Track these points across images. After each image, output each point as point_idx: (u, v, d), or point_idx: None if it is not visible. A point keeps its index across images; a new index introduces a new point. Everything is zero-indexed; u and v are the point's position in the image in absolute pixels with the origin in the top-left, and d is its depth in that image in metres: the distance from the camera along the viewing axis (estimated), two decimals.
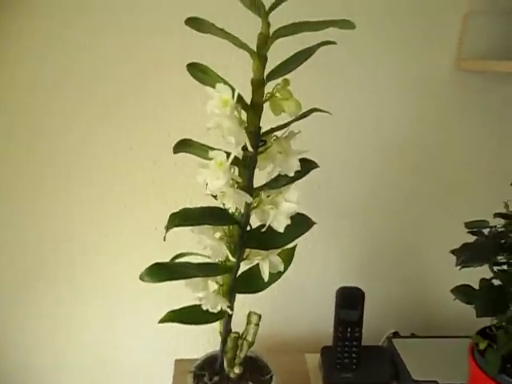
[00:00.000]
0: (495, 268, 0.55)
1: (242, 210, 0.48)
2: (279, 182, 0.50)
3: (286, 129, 0.49)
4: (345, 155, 0.83)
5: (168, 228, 0.46)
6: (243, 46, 0.44)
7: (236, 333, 0.56)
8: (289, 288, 0.87)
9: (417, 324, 0.93)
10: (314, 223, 0.55)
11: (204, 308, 0.51)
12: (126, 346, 0.90)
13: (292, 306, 0.90)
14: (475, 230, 0.59)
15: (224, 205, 0.48)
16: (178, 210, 0.52)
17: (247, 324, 0.56)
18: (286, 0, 0.43)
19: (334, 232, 0.87)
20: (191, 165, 0.78)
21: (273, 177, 0.51)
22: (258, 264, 0.54)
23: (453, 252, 0.57)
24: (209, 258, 0.53)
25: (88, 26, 0.73)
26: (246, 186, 0.48)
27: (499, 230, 0.58)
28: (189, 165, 0.80)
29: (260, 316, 0.56)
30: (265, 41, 0.45)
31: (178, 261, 0.55)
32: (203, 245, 0.49)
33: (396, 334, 0.86)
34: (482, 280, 0.56)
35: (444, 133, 0.84)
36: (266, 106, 0.49)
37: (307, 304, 0.90)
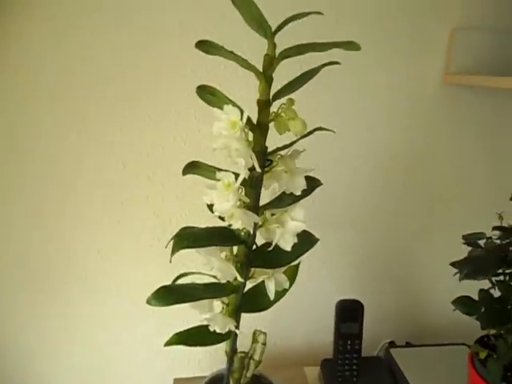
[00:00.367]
0: (494, 279, 0.57)
1: (251, 231, 0.47)
2: (284, 200, 0.50)
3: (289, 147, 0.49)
4: (337, 169, 0.84)
5: (175, 250, 0.46)
6: (250, 67, 0.44)
7: (242, 352, 0.55)
8: (285, 301, 0.87)
9: (410, 333, 0.95)
10: (317, 240, 0.56)
11: (211, 329, 0.50)
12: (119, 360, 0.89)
13: (288, 320, 0.89)
14: (472, 241, 0.60)
15: (230, 225, 0.47)
16: (179, 229, 0.52)
17: (253, 343, 0.56)
18: (291, 21, 0.44)
19: (327, 245, 0.88)
20: (186, 181, 0.79)
21: (276, 195, 0.51)
22: (262, 282, 0.53)
23: (453, 265, 0.58)
24: (213, 277, 0.53)
25: (92, 28, 0.71)
26: (253, 206, 0.48)
27: (495, 241, 0.60)
28: (183, 181, 0.79)
29: (266, 334, 0.55)
30: (271, 62, 0.45)
31: (181, 281, 0.55)
32: (211, 266, 0.49)
33: (392, 344, 0.87)
34: (481, 291, 0.57)
35: (433, 145, 0.86)
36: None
37: (303, 317, 0.90)
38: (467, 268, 0.54)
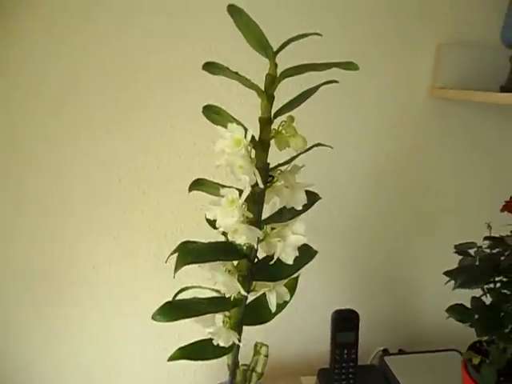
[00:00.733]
0: (485, 287, 0.59)
1: (255, 246, 0.48)
2: (285, 215, 0.51)
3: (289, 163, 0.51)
4: (326, 184, 0.86)
5: (179, 266, 0.46)
6: (253, 86, 0.45)
7: (245, 365, 0.56)
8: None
9: (403, 340, 0.97)
10: (316, 252, 0.57)
11: (215, 343, 0.51)
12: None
13: (284, 331, 0.90)
14: (463, 251, 0.63)
15: (231, 240, 0.48)
16: (178, 244, 0.52)
17: (255, 355, 0.57)
18: (292, 42, 0.45)
19: (319, 256, 0.89)
20: (181, 195, 0.80)
21: (276, 210, 0.53)
22: (262, 295, 0.54)
23: (447, 274, 0.60)
24: (214, 291, 0.54)
25: (94, 33, 0.71)
26: (255, 221, 0.49)
27: (485, 250, 0.62)
28: (178, 195, 0.80)
29: (268, 346, 0.56)
30: (272, 81, 0.46)
31: (181, 296, 0.55)
32: (215, 281, 0.49)
33: (385, 352, 0.89)
34: (474, 299, 0.59)
35: (422, 158, 0.88)
36: None
37: (298, 328, 0.91)
38: (461, 277, 0.56)
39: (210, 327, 0.51)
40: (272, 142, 0.51)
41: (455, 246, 0.63)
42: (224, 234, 0.50)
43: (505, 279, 0.56)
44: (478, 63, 0.79)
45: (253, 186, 0.46)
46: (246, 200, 0.48)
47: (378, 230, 0.91)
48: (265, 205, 0.52)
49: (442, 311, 0.67)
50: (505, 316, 0.54)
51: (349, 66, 0.46)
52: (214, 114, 0.46)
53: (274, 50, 0.45)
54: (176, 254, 0.48)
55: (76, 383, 0.86)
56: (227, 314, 0.54)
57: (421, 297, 0.98)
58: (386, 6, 0.79)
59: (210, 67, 0.42)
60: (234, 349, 0.54)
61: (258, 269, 0.53)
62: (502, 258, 0.56)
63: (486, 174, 0.92)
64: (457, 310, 0.59)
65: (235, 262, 0.53)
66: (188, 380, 0.89)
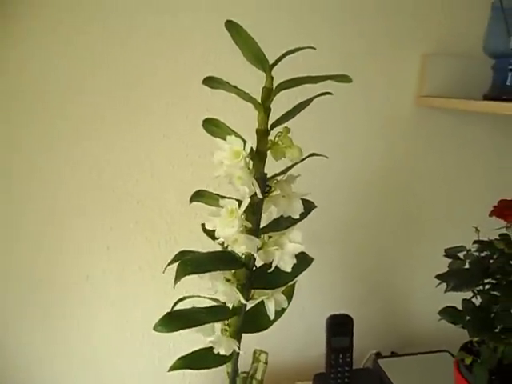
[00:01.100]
0: (475, 289, 0.61)
1: (255, 255, 0.49)
2: (282, 223, 0.52)
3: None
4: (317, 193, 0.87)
5: (180, 277, 0.47)
6: (251, 99, 0.46)
7: (245, 373, 0.56)
8: None
9: (394, 343, 0.98)
10: (312, 259, 0.58)
11: (216, 351, 0.51)
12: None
13: (278, 337, 0.91)
14: (452, 254, 0.65)
15: (230, 249, 0.49)
16: (176, 254, 0.53)
17: (254, 362, 0.57)
18: (287, 55, 0.46)
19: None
20: (175, 204, 0.80)
21: (273, 219, 0.54)
22: (260, 303, 0.55)
23: (438, 277, 0.62)
24: (213, 300, 0.54)
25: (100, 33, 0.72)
26: (254, 230, 0.50)
27: (474, 253, 0.64)
28: (172, 204, 0.81)
29: (267, 354, 0.57)
30: (269, 94, 0.47)
31: (180, 306, 0.56)
32: (215, 290, 0.50)
33: (378, 355, 0.90)
34: (465, 301, 0.61)
35: (410, 164, 0.91)
36: None
37: (293, 333, 0.92)
38: (453, 281, 0.58)
39: (211, 336, 0.51)
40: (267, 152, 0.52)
41: (445, 250, 0.65)
42: (221, 244, 0.50)
43: (494, 281, 0.58)
44: (462, 73, 0.82)
45: (251, 197, 0.48)
46: (244, 210, 0.50)
47: (367, 237, 0.93)
48: (262, 214, 0.53)
49: (431, 314, 0.69)
50: (495, 317, 0.56)
51: (342, 78, 0.47)
52: (213, 126, 0.47)
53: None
54: (175, 264, 0.49)
55: None
56: (226, 322, 0.55)
57: (411, 300, 1.00)
58: (374, 14, 0.81)
59: (210, 81, 0.44)
60: (233, 357, 0.55)
61: (256, 277, 0.53)
62: (491, 261, 0.58)
63: (473, 179, 0.95)
64: (449, 312, 0.61)
65: (233, 271, 0.54)
66: None
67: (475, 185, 0.95)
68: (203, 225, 0.51)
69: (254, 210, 0.49)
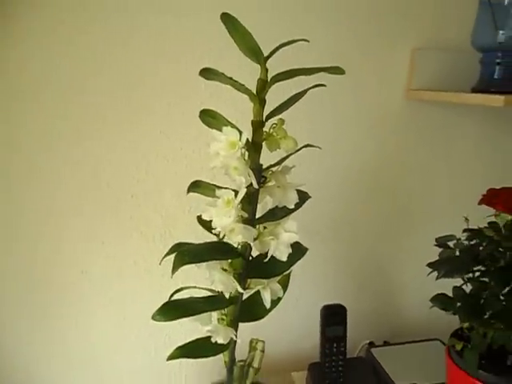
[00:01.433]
0: (465, 276, 0.62)
1: (252, 244, 0.50)
2: (277, 214, 0.53)
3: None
4: (309, 179, 0.88)
5: (177, 267, 0.47)
6: (247, 91, 0.47)
7: (242, 361, 0.57)
8: None
9: (387, 332, 1.00)
10: (306, 249, 0.59)
11: (213, 340, 0.52)
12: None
13: (273, 327, 0.92)
14: (443, 243, 0.66)
15: (226, 239, 0.50)
16: (172, 246, 0.54)
17: (251, 351, 0.58)
18: (281, 48, 0.47)
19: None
20: (169, 198, 0.81)
21: (268, 209, 0.55)
22: (256, 292, 0.56)
23: (429, 265, 0.63)
24: (209, 290, 0.55)
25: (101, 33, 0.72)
26: (250, 220, 0.51)
27: (463, 242, 0.66)
28: (167, 198, 0.81)
29: (264, 342, 0.58)
30: (264, 86, 0.48)
31: (178, 296, 0.56)
32: (212, 280, 0.51)
33: (372, 344, 0.92)
34: (455, 288, 0.63)
35: (399, 156, 0.93)
36: None
37: (286, 324, 0.93)
38: (444, 268, 0.59)
39: (208, 325, 0.52)
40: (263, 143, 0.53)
41: (436, 239, 0.66)
42: (217, 234, 0.51)
43: (483, 268, 0.60)
44: (451, 66, 0.84)
45: (247, 187, 0.48)
46: (240, 200, 0.50)
47: (359, 229, 0.95)
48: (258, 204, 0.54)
49: (423, 304, 0.71)
50: (485, 303, 0.58)
51: (335, 70, 0.48)
52: (209, 117, 0.48)
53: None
54: (170, 257, 0.49)
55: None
56: (223, 311, 0.56)
57: (403, 291, 1.02)
58: (365, 9, 0.82)
59: (206, 73, 0.44)
60: (230, 345, 0.56)
61: (253, 267, 0.54)
62: (481, 249, 0.60)
63: (462, 169, 0.97)
64: (440, 300, 0.63)
65: (228, 262, 0.54)
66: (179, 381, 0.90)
67: (465, 176, 0.97)
68: (199, 217, 0.52)
69: (249, 200, 0.50)
